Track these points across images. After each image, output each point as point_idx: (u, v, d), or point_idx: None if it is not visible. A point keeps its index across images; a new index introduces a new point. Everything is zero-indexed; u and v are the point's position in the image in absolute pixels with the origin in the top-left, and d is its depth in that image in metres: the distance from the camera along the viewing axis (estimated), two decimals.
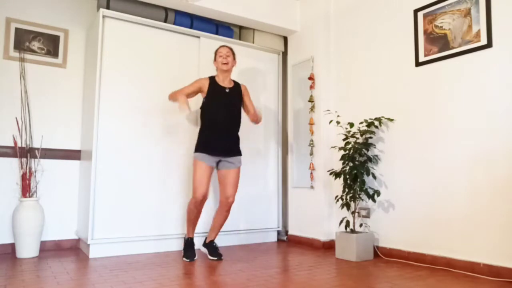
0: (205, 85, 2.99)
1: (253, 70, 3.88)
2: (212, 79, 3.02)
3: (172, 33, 3.47)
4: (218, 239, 3.53)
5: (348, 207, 3.09)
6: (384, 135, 3.16)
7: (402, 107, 3.04)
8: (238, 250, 3.34)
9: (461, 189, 2.61)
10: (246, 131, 3.75)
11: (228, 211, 2.99)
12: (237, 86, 3.08)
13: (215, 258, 2.92)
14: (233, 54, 3.06)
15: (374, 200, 3.06)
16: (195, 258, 2.91)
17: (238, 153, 3.00)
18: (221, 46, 3.03)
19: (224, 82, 3.02)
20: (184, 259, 2.88)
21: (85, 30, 3.57)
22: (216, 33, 3.72)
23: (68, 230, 3.35)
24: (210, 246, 3.00)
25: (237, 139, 3.02)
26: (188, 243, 2.97)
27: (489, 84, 2.51)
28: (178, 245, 3.32)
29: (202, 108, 3.00)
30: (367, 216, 3.24)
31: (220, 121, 2.92)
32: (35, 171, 3.23)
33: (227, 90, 2.99)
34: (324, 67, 3.66)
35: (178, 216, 3.34)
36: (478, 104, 2.56)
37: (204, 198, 2.86)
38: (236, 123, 3.00)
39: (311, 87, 3.69)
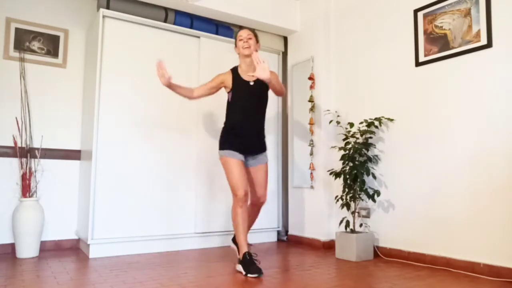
0: (228, 80, 2.71)
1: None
2: (235, 72, 2.73)
3: (172, 33, 3.47)
4: (218, 239, 3.53)
5: (348, 207, 3.09)
6: (384, 135, 3.16)
7: (402, 107, 3.04)
8: None
9: (461, 189, 2.61)
10: None
11: (259, 210, 2.82)
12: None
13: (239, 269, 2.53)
14: (256, 36, 2.75)
15: (374, 200, 3.06)
16: (262, 273, 2.42)
17: (264, 149, 2.77)
18: (241, 29, 2.75)
19: (248, 73, 2.70)
20: (250, 275, 2.40)
21: (85, 30, 3.57)
22: (216, 33, 3.72)
23: (68, 230, 3.35)
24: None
25: (264, 136, 2.78)
26: (248, 259, 2.46)
27: (489, 84, 2.51)
28: (178, 245, 3.32)
29: (228, 104, 2.74)
30: (367, 216, 3.24)
31: (246, 120, 2.67)
32: (35, 171, 3.23)
33: (251, 83, 2.69)
34: (324, 67, 3.66)
35: (178, 216, 3.34)
36: (478, 104, 2.56)
37: (247, 194, 2.57)
38: (262, 120, 2.75)
39: (311, 87, 3.69)
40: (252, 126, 2.69)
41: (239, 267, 2.51)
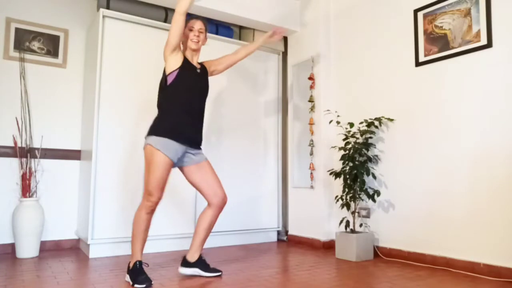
0: (180, 56, 2.41)
1: (253, 70, 3.88)
2: (186, 56, 2.49)
3: None
4: (218, 239, 3.53)
5: (348, 207, 3.09)
6: (384, 135, 3.16)
7: (402, 107, 3.04)
8: (238, 250, 3.34)
9: (461, 189, 2.61)
10: (246, 130, 3.75)
11: (220, 213, 2.49)
12: (204, 67, 2.56)
13: (215, 274, 2.40)
14: (206, 30, 2.52)
15: (374, 200, 3.06)
16: (152, 283, 2.22)
17: (200, 145, 2.51)
18: (194, 18, 2.48)
19: (193, 62, 2.50)
20: (137, 285, 2.15)
21: (85, 30, 3.57)
22: (216, 33, 3.72)
23: (68, 230, 3.35)
24: (202, 262, 2.44)
25: (202, 131, 2.53)
26: (139, 269, 2.23)
27: (489, 84, 2.51)
28: (178, 245, 3.32)
29: (170, 85, 2.37)
30: (367, 216, 3.24)
31: (193, 106, 2.41)
32: (35, 171, 3.23)
33: (198, 71, 2.48)
34: (324, 67, 3.66)
35: (178, 216, 3.34)
36: (478, 104, 2.56)
37: (159, 202, 2.31)
38: (203, 110, 2.53)
39: (311, 87, 3.69)
40: (198, 116, 2.46)
41: (127, 277, 2.26)
